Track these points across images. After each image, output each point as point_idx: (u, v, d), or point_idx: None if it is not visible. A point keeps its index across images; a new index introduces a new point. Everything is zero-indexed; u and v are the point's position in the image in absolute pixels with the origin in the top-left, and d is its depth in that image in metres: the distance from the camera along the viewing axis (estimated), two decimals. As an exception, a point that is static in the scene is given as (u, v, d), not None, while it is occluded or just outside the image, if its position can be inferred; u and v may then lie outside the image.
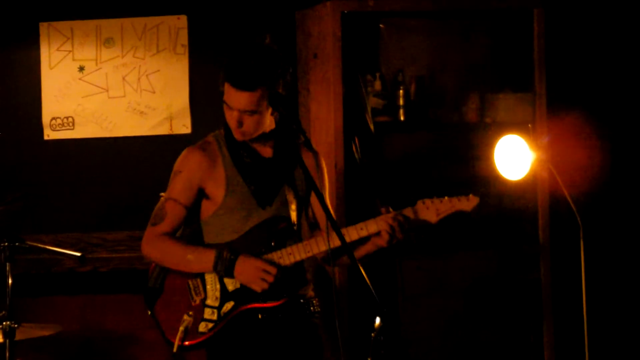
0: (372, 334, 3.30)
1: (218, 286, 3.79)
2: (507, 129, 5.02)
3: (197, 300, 3.80)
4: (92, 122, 5.40)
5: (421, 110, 5.43)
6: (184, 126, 5.42)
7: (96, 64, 5.41)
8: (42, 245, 4.59)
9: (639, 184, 5.90)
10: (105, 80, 5.41)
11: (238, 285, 3.78)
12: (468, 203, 3.85)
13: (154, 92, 5.42)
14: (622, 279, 5.88)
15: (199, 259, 3.78)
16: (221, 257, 3.74)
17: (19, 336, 4.33)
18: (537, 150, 4.70)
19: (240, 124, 3.76)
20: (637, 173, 5.89)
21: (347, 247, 3.52)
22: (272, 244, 3.81)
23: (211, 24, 5.44)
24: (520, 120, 5.44)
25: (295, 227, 3.90)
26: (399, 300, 5.21)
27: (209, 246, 3.82)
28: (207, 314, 3.80)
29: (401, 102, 5.35)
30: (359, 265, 3.39)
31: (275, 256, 3.79)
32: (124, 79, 5.42)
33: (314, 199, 3.97)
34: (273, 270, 3.73)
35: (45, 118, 5.39)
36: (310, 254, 3.79)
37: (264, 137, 3.85)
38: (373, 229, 3.78)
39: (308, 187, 3.93)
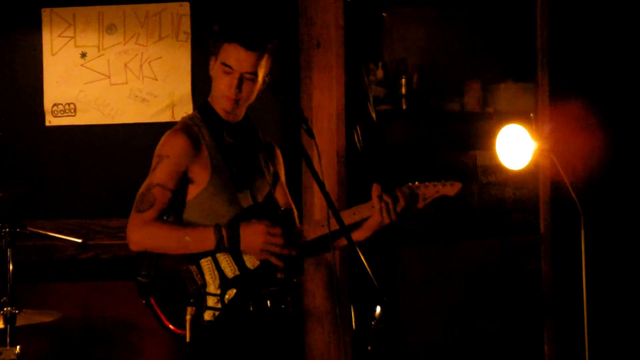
0: (373, 323, 3.31)
1: (216, 273, 3.73)
2: (509, 119, 5.03)
3: (195, 287, 3.73)
4: (93, 108, 5.40)
5: (423, 99, 5.43)
6: (185, 113, 5.34)
7: (98, 51, 5.41)
8: (43, 232, 4.61)
9: (640, 174, 5.91)
10: (107, 66, 5.41)
11: (237, 272, 3.78)
12: (451, 188, 3.87)
13: (156, 79, 5.42)
14: (623, 268, 5.88)
15: (198, 239, 3.69)
16: (221, 233, 3.66)
17: (19, 322, 4.35)
18: (538, 139, 4.71)
19: (239, 89, 3.73)
20: (638, 163, 5.89)
21: (346, 230, 3.52)
22: None
23: (214, 11, 5.43)
24: (522, 109, 5.44)
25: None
26: (399, 289, 5.22)
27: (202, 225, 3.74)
28: (212, 302, 3.73)
29: (403, 91, 5.36)
30: (359, 251, 3.39)
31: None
32: (126, 65, 5.41)
33: (278, 191, 3.98)
34: (278, 231, 3.68)
35: (47, 104, 5.39)
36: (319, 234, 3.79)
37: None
38: (366, 213, 3.79)
39: (273, 178, 3.94)
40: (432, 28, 5.49)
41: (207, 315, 3.73)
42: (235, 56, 3.70)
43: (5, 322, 4.29)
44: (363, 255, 3.40)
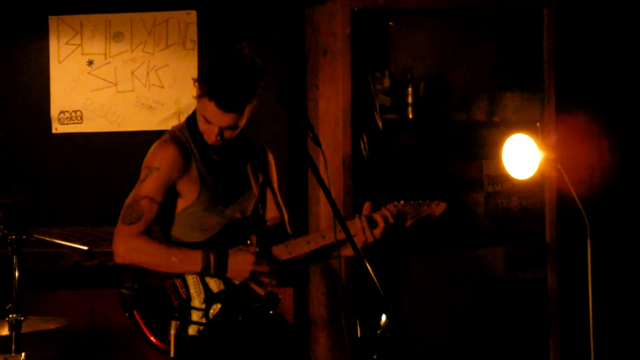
0: (378, 331, 3.30)
1: (201, 287, 3.73)
2: (515, 128, 5.02)
3: (180, 300, 3.73)
4: (100, 116, 5.41)
5: (429, 108, 5.43)
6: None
7: (105, 58, 5.42)
8: (48, 239, 4.60)
9: (646, 185, 5.90)
10: (114, 74, 5.42)
11: (222, 287, 3.75)
12: (437, 208, 3.90)
13: (162, 87, 5.43)
14: (629, 278, 5.87)
15: (185, 261, 3.69)
16: (209, 258, 3.67)
17: (25, 329, 4.34)
18: (545, 149, 4.70)
19: (221, 137, 3.73)
20: (645, 173, 5.89)
21: (352, 239, 3.51)
22: (248, 242, 3.79)
23: (221, 19, 5.44)
24: (528, 119, 5.44)
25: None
26: (405, 298, 5.21)
27: (188, 245, 3.74)
28: (196, 316, 3.72)
29: (410, 100, 5.35)
30: (366, 262, 3.38)
31: (276, 250, 3.78)
32: (132, 73, 5.42)
33: (269, 197, 3.98)
34: (264, 262, 3.71)
35: (54, 111, 5.40)
36: (309, 249, 3.79)
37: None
38: (352, 231, 3.72)
39: (263, 185, 3.95)
40: (438, 37, 5.49)
41: (191, 330, 3.72)
42: (213, 114, 3.67)
43: (11, 329, 4.29)
44: (368, 263, 3.40)
